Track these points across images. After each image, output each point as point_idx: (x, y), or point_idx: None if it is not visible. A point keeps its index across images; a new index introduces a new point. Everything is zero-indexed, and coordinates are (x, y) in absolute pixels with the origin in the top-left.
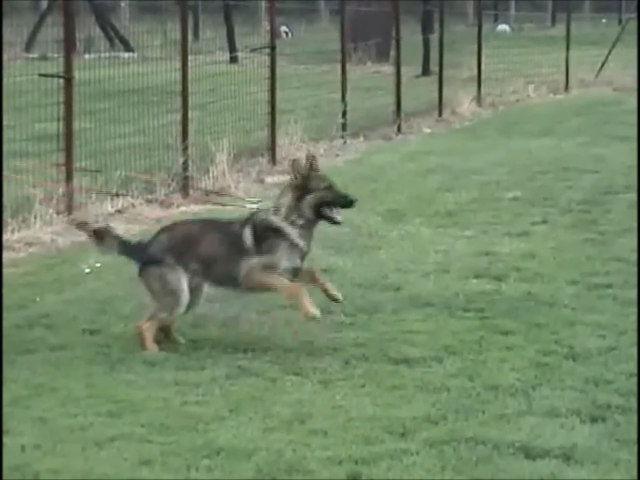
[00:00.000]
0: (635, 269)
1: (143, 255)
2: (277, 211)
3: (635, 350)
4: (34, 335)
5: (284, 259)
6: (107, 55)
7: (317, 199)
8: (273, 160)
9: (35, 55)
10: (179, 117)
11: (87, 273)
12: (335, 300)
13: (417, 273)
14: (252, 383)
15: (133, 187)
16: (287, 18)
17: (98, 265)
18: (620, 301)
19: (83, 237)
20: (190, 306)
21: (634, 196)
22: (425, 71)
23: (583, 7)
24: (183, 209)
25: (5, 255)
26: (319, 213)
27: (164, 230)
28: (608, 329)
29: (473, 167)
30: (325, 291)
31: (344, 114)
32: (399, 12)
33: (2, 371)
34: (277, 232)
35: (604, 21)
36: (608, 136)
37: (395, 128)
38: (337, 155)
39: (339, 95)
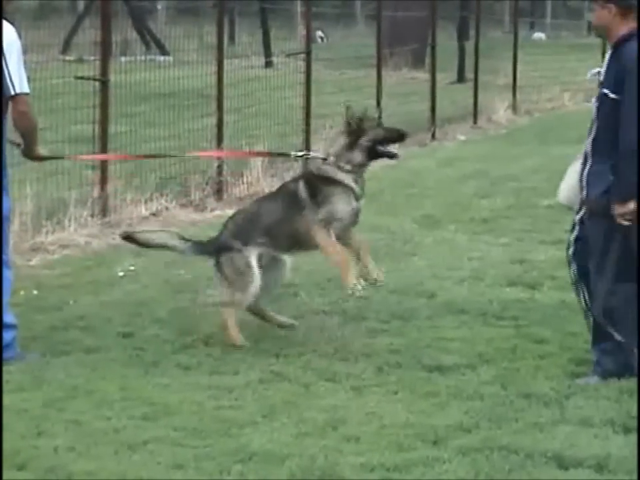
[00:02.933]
0: None
1: (213, 247)
2: (326, 159)
3: None
4: (69, 337)
5: (341, 206)
6: (143, 58)
7: (372, 139)
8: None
9: (72, 57)
10: (213, 121)
11: (122, 276)
12: (374, 281)
13: (452, 280)
14: (285, 388)
15: (167, 190)
16: (323, 23)
17: (132, 267)
18: None
19: (117, 239)
20: (269, 285)
21: None
22: (461, 78)
23: None
24: (217, 212)
25: (40, 256)
26: (375, 152)
27: (229, 219)
28: None
29: (509, 173)
30: (366, 267)
31: (379, 119)
32: (435, 18)
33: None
34: (330, 180)
35: None
36: None
37: (430, 134)
38: None
39: (375, 101)
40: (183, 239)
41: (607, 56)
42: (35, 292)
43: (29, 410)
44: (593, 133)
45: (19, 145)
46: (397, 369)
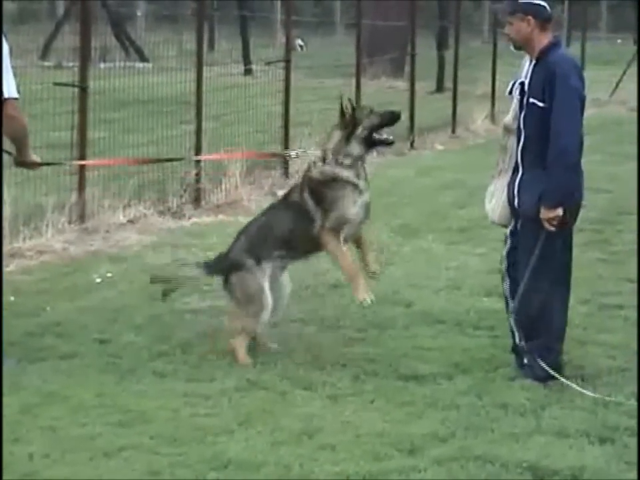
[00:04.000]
0: None
1: (224, 264)
2: (324, 157)
3: None
4: (45, 343)
5: (348, 208)
6: (122, 64)
7: (367, 127)
8: (286, 173)
9: (51, 63)
10: (192, 128)
11: (99, 283)
12: (372, 273)
13: (429, 289)
14: (261, 396)
15: (145, 197)
16: (303, 31)
17: (109, 274)
18: (631, 322)
19: (94, 245)
20: (276, 307)
21: None
22: (439, 87)
23: (598, 27)
24: (194, 220)
25: (17, 262)
26: (372, 141)
27: (239, 233)
28: (619, 349)
29: (487, 183)
30: (365, 261)
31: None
32: (414, 27)
33: (2, 386)
34: (332, 181)
35: (619, 41)
36: (622, 155)
37: (409, 143)
38: None
39: None
40: (196, 264)
41: (529, 67)
42: (12, 298)
43: (5, 416)
44: (522, 142)
45: (10, 153)
46: (373, 378)
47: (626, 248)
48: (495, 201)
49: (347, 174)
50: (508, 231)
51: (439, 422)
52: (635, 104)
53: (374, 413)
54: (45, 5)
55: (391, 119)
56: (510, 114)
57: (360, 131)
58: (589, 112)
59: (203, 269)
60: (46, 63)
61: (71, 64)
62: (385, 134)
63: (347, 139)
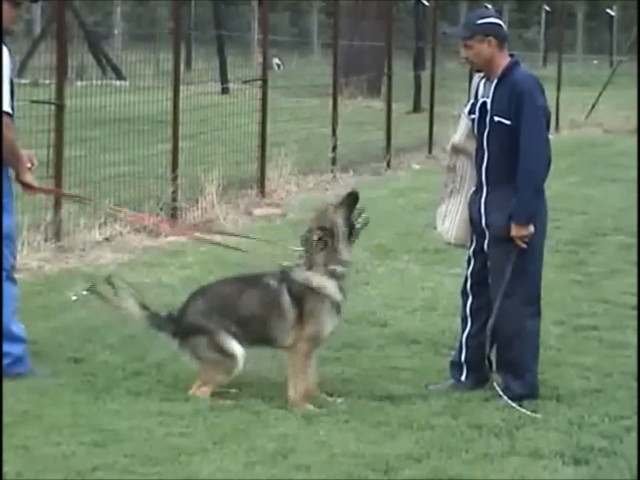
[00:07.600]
0: (621, 311)
1: (178, 325)
2: (311, 265)
3: (619, 392)
4: None
5: (327, 325)
6: (99, 82)
7: (344, 229)
8: (262, 192)
9: (27, 81)
10: (169, 146)
11: (74, 301)
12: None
13: (404, 310)
14: (236, 415)
15: (121, 215)
16: (279, 50)
17: (84, 292)
18: (605, 343)
19: (70, 263)
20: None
21: (622, 238)
22: (416, 107)
23: (574, 48)
24: (170, 238)
25: None
26: (352, 236)
27: (197, 294)
28: (593, 370)
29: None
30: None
31: (334, 148)
32: (391, 48)
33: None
34: (317, 293)
35: (595, 62)
36: (598, 177)
37: (385, 163)
38: (327, 189)
39: (330, 129)
40: (142, 305)
41: (489, 86)
42: None
43: None
44: (485, 160)
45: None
46: (348, 398)
47: (600, 269)
48: (450, 222)
49: (330, 288)
50: (471, 250)
51: (413, 442)
52: (610, 126)
53: (348, 433)
54: (21, 23)
55: (354, 200)
56: (458, 134)
57: (340, 235)
58: (564, 133)
59: (149, 318)
60: (22, 81)
61: (47, 81)
62: (357, 221)
63: (332, 247)
